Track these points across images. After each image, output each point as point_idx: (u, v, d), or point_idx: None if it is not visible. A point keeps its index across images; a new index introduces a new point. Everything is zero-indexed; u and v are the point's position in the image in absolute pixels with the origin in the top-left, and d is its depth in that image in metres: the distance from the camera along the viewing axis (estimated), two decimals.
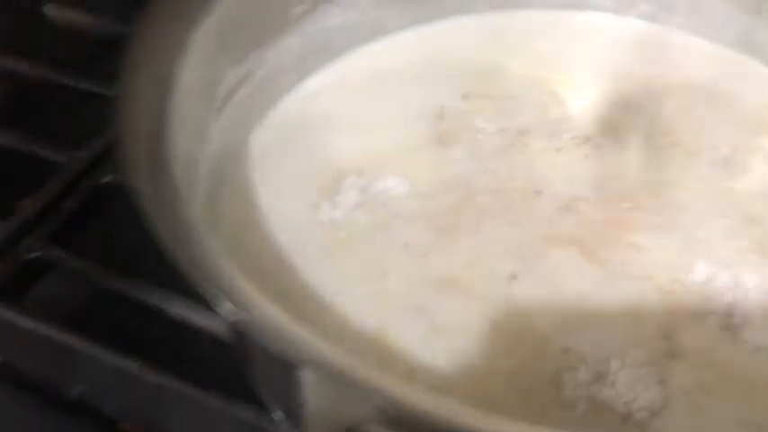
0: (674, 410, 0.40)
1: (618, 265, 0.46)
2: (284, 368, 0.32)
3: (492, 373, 0.41)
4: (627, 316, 0.44)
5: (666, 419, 0.39)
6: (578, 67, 0.60)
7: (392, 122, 0.55)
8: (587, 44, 0.62)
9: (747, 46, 0.59)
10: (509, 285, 0.45)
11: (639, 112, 0.56)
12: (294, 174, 0.51)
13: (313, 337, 0.31)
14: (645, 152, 0.53)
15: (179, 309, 0.48)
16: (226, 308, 0.32)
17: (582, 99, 0.57)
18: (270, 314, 0.32)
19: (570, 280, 0.45)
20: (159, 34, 0.44)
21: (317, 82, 0.58)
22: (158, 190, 0.38)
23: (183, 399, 0.44)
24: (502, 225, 0.48)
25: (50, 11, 0.69)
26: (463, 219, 0.49)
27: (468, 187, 0.51)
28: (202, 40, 0.45)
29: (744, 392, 0.40)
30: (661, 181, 0.51)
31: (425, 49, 0.61)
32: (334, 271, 0.46)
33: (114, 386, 0.47)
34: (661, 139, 0.54)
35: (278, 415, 0.40)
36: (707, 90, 0.57)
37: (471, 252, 0.47)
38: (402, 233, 0.48)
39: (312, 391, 0.31)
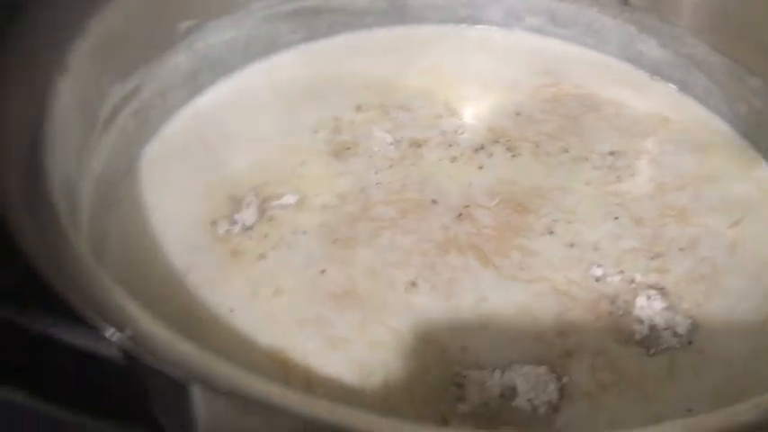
0: (574, 406, 0.40)
1: (513, 268, 0.47)
2: (173, 385, 0.31)
3: (393, 381, 0.41)
4: (523, 317, 0.44)
5: (568, 415, 0.40)
6: (470, 78, 0.61)
7: (287, 136, 0.55)
8: (478, 57, 0.63)
9: (629, 55, 0.62)
10: (408, 294, 0.45)
11: (530, 120, 0.57)
12: (188, 191, 0.50)
13: (202, 353, 0.30)
14: (535, 158, 0.54)
15: (69, 335, 0.46)
16: (108, 329, 0.30)
17: (474, 109, 0.58)
18: (156, 332, 0.31)
19: (467, 285, 0.46)
20: (32, 50, 0.42)
21: (210, 98, 0.57)
22: (35, 216, 0.36)
23: (79, 428, 0.42)
24: (399, 235, 0.48)
25: None
26: (360, 230, 0.49)
27: (365, 199, 0.51)
28: (81, 53, 0.43)
29: (638, 388, 0.42)
30: (551, 186, 0.52)
31: (319, 63, 0.61)
32: (230, 289, 0.45)
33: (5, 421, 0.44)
34: (550, 146, 0.55)
35: None
36: (594, 99, 0.60)
37: (369, 263, 0.47)
38: (299, 247, 0.47)
39: (203, 406, 0.30)
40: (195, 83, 0.56)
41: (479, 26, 0.65)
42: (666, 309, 0.45)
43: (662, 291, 0.46)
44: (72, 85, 0.43)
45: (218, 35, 0.57)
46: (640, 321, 0.44)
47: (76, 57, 0.43)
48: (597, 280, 0.46)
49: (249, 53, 0.60)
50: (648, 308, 0.45)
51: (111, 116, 0.48)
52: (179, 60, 0.54)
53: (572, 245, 0.48)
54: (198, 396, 0.30)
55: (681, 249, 0.49)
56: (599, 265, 0.47)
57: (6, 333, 0.47)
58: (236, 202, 0.50)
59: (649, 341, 0.43)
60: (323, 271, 0.46)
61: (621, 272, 0.47)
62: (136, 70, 0.50)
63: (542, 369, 0.41)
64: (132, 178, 0.51)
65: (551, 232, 0.49)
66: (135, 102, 0.51)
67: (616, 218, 0.50)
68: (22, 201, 0.36)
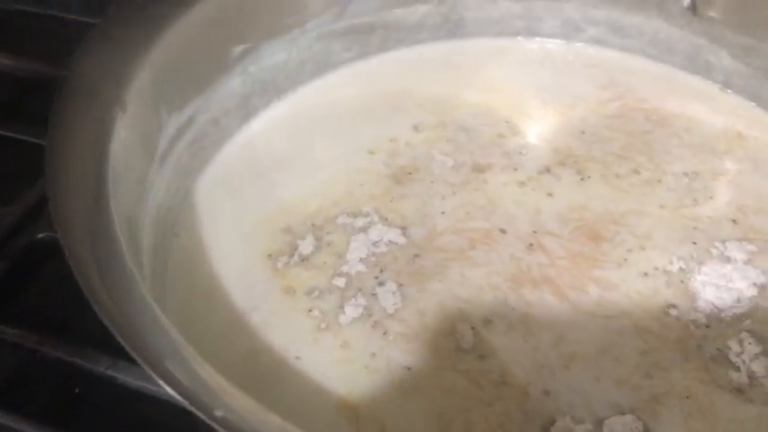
0: None
1: (590, 303, 0.44)
2: None
3: (475, 430, 0.39)
4: (606, 356, 0.42)
5: None
6: (530, 94, 0.58)
7: (343, 158, 0.53)
8: (537, 71, 0.60)
9: (698, 67, 0.59)
10: (483, 332, 0.43)
11: (596, 139, 0.55)
12: (242, 223, 0.48)
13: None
14: (605, 181, 0.51)
15: (127, 376, 0.44)
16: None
17: (537, 128, 0.56)
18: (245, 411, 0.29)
19: (545, 322, 0.43)
20: (94, 83, 0.41)
21: (263, 122, 0.55)
22: (96, 249, 0.34)
23: None
24: (468, 267, 0.46)
25: None
26: (427, 263, 0.46)
27: (430, 228, 0.48)
28: (140, 88, 0.42)
29: None
30: (624, 211, 0.49)
31: (373, 81, 0.59)
32: (293, 331, 0.43)
33: None
34: (620, 167, 0.52)
35: None
36: (661, 113, 0.57)
37: (440, 299, 0.44)
38: (362, 285, 0.45)
39: None
40: (247, 108, 0.55)
41: (538, 39, 0.62)
42: (763, 352, 0.42)
43: (753, 333, 0.43)
44: (131, 120, 0.41)
45: (272, 57, 0.55)
46: (737, 368, 0.41)
47: (135, 91, 0.42)
48: (678, 314, 0.44)
49: (302, 74, 0.58)
50: (743, 352, 0.42)
51: (167, 148, 0.47)
52: (232, 85, 0.53)
53: (647, 274, 0.46)
54: None
55: None
56: (681, 297, 0.45)
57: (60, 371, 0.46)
58: (292, 233, 0.48)
59: (747, 388, 0.40)
60: (390, 313, 0.44)
61: (704, 305, 0.44)
62: (191, 99, 0.49)
63: (629, 418, 0.39)
64: (188, 211, 0.49)
65: (627, 263, 0.46)
66: (190, 132, 0.49)
67: (694, 243, 0.48)
68: (84, 230, 0.35)
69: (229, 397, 0.30)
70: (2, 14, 0.72)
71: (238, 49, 0.52)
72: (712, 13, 0.56)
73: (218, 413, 0.27)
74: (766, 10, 0.55)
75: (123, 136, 0.40)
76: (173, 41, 0.46)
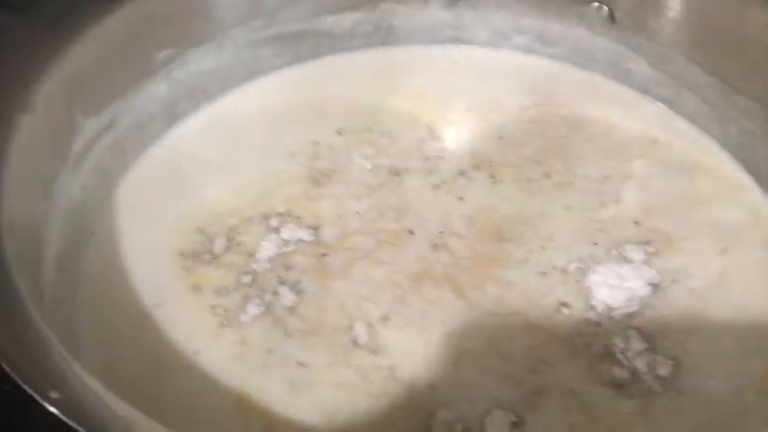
0: None
1: (487, 301, 0.46)
2: None
3: (359, 423, 0.40)
4: (494, 353, 0.43)
5: None
6: (455, 101, 0.60)
7: (264, 161, 0.54)
8: (464, 78, 0.62)
9: (618, 73, 0.60)
10: (379, 328, 0.44)
11: (513, 144, 0.56)
12: (159, 223, 0.50)
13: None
14: (516, 185, 0.53)
15: None
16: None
17: (458, 133, 0.57)
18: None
19: (440, 319, 0.45)
20: None
21: (189, 126, 0.57)
22: None
23: None
24: (373, 266, 0.47)
25: None
26: (334, 261, 0.48)
27: (342, 228, 0.50)
28: (49, 92, 0.43)
29: (611, 430, 0.40)
30: (531, 213, 0.51)
31: (302, 87, 0.60)
32: (195, 327, 0.44)
33: None
34: (532, 171, 0.54)
35: None
36: (579, 118, 0.58)
37: (341, 296, 0.46)
38: (266, 284, 0.46)
39: None
40: (174, 112, 0.56)
41: (465, 46, 0.63)
42: (647, 349, 0.43)
43: (640, 330, 0.44)
44: (37, 123, 0.42)
45: (199, 63, 0.56)
46: (620, 364, 0.43)
47: (43, 95, 0.43)
48: (570, 313, 0.45)
49: (231, 79, 0.59)
50: (629, 349, 0.43)
51: (84, 150, 0.48)
52: (157, 90, 0.54)
53: (548, 276, 0.47)
54: None
55: (670, 280, 0.47)
56: (573, 296, 0.46)
57: None
58: (206, 233, 0.49)
59: (628, 383, 0.42)
60: (291, 308, 0.45)
61: (597, 304, 0.46)
62: (111, 103, 0.50)
63: (510, 416, 0.40)
64: (107, 212, 0.50)
65: (527, 263, 0.48)
66: (110, 135, 0.51)
67: (595, 243, 0.49)
68: None
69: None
70: None
71: (162, 54, 0.53)
72: (628, 22, 0.57)
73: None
74: (679, 19, 0.56)
75: (26, 138, 0.41)
76: (88, 47, 0.47)
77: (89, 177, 0.49)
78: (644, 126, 0.57)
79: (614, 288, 0.46)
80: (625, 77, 0.60)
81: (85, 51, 0.47)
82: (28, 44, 0.44)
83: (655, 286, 0.47)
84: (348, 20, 0.62)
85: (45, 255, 0.43)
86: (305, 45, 0.61)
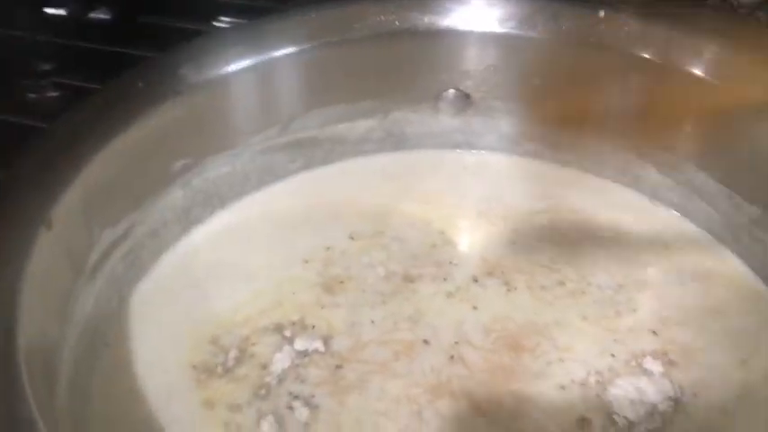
0: None
1: (505, 418, 0.45)
2: None
3: None
4: None
5: None
6: (466, 205, 0.60)
7: (277, 268, 0.54)
8: (475, 182, 0.63)
9: (629, 180, 0.61)
10: None
11: (525, 249, 0.56)
12: (172, 333, 0.49)
13: None
14: (530, 292, 0.53)
15: None
16: None
17: (469, 238, 0.58)
18: None
19: None
20: (20, 202, 0.42)
21: (203, 232, 0.57)
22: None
23: None
24: (388, 379, 0.47)
25: None
26: (349, 374, 0.47)
27: (356, 338, 0.49)
28: (66, 210, 0.43)
29: None
30: (546, 322, 0.51)
31: (314, 192, 0.61)
32: None
33: None
34: (546, 279, 0.54)
35: None
36: (591, 224, 0.58)
37: (356, 412, 0.45)
38: (279, 399, 0.46)
39: None
40: (188, 218, 0.56)
41: (476, 151, 0.65)
42: None
43: None
44: (56, 239, 0.42)
45: (215, 170, 0.57)
46: None
47: (62, 211, 0.43)
48: (590, 429, 0.44)
49: (246, 185, 0.60)
50: None
51: (99, 262, 0.48)
52: (173, 198, 0.54)
53: (563, 387, 0.46)
54: None
55: (691, 393, 0.46)
56: (594, 412, 0.45)
57: None
58: (219, 344, 0.49)
59: None
60: (308, 424, 0.44)
61: (618, 420, 0.45)
62: (127, 214, 0.50)
63: None
64: (122, 321, 0.50)
65: (544, 376, 0.47)
66: (125, 244, 0.51)
67: (613, 355, 0.49)
68: None
69: None
70: None
71: (179, 163, 0.54)
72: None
73: None
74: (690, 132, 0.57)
75: (45, 256, 0.41)
76: (108, 160, 0.47)
77: (103, 288, 0.49)
78: (655, 232, 0.58)
79: (635, 403, 0.45)
80: (635, 183, 0.61)
81: (104, 166, 0.47)
82: (49, 159, 0.45)
83: (675, 401, 0.46)
84: (361, 127, 0.63)
85: (59, 377, 0.42)
86: (318, 151, 0.62)
